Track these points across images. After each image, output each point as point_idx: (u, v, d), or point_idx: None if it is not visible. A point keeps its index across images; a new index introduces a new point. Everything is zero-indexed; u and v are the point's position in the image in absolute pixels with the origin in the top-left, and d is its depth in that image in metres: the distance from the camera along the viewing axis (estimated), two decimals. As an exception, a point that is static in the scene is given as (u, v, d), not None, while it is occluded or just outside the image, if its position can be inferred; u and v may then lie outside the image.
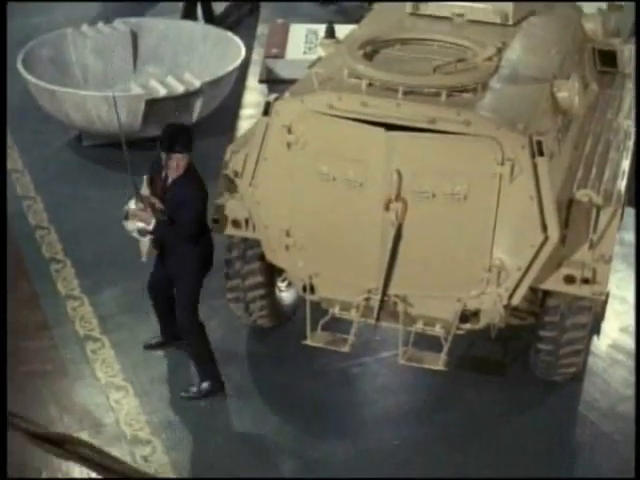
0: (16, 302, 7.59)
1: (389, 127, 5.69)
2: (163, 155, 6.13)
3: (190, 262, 6.30)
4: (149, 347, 7.12)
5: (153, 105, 10.02)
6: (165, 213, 6.09)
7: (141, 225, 6.07)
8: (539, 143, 5.54)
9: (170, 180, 6.21)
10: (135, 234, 6.17)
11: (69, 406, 6.55)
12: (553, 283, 6.04)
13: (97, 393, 6.69)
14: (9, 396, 6.32)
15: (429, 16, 7.23)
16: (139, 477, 5.96)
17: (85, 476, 5.93)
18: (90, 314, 7.58)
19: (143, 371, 6.89)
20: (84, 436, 6.26)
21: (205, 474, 5.82)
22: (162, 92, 10.38)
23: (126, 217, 6.10)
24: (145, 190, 6.19)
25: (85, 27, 11.39)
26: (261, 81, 12.46)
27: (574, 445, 6.35)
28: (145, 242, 6.30)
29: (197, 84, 10.29)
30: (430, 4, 7.26)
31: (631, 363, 7.05)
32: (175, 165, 6.12)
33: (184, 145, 6.09)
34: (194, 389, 6.59)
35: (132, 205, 6.07)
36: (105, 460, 6.06)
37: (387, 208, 5.85)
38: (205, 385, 6.59)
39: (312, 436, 6.33)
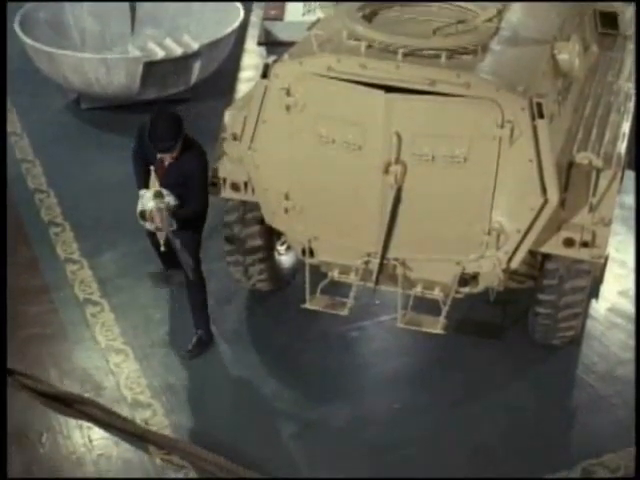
0: (15, 266, 7.60)
1: (388, 89, 5.65)
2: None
3: (191, 225, 6.31)
4: (153, 276, 7.23)
5: (151, 68, 9.96)
6: (179, 206, 6.10)
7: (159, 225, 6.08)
8: (539, 105, 5.50)
9: (167, 163, 6.16)
10: (153, 229, 6.20)
11: (69, 370, 6.58)
12: (552, 246, 6.03)
13: (97, 357, 6.71)
14: (9, 360, 6.37)
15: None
16: (145, 435, 6.00)
17: (86, 439, 5.96)
18: (89, 277, 7.59)
19: (143, 334, 6.91)
20: (85, 399, 6.30)
21: (205, 437, 5.86)
22: (160, 54, 10.33)
23: (143, 217, 6.10)
24: (154, 182, 6.14)
25: (82, -12, 11.31)
26: (260, 43, 12.39)
27: (572, 408, 6.38)
28: (163, 234, 6.28)
29: (195, 46, 10.22)
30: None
31: (630, 327, 7.06)
32: (169, 157, 6.09)
33: (177, 142, 6.02)
34: (192, 340, 6.66)
35: (147, 199, 6.03)
36: (111, 419, 6.10)
37: (386, 171, 5.82)
38: (199, 332, 6.68)
39: (311, 399, 6.35)
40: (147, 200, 6.05)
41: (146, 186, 6.21)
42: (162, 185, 6.11)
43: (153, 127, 6.02)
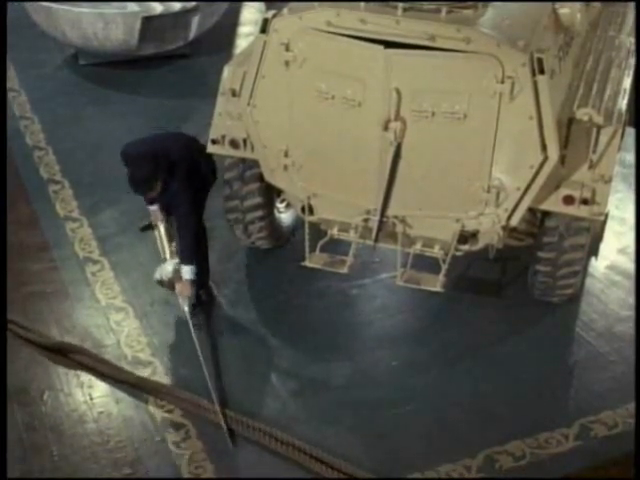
0: (15, 224, 7.61)
1: (388, 44, 5.59)
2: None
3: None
4: (145, 228, 7.15)
5: (150, 22, 9.90)
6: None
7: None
8: (540, 61, 5.45)
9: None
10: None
11: (70, 328, 6.59)
12: (552, 204, 6.01)
13: (98, 315, 6.72)
14: (10, 316, 6.40)
15: None
16: (143, 385, 6.06)
17: (87, 397, 5.99)
18: (89, 235, 7.58)
19: (143, 293, 6.91)
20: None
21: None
22: (159, 9, 10.24)
23: (161, 284, 6.41)
24: (167, 249, 6.37)
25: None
26: (259, -2, 12.28)
27: (570, 365, 6.39)
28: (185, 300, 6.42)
29: (194, 1, 10.12)
30: None
31: (629, 284, 7.07)
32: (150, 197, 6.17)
33: (153, 188, 6.07)
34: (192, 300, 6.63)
35: (167, 272, 6.31)
36: (109, 369, 6.16)
37: (386, 127, 5.78)
38: (200, 290, 6.68)
39: (311, 357, 6.37)
40: (166, 272, 6.30)
41: (152, 201, 6.33)
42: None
43: (130, 174, 6.05)
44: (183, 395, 5.94)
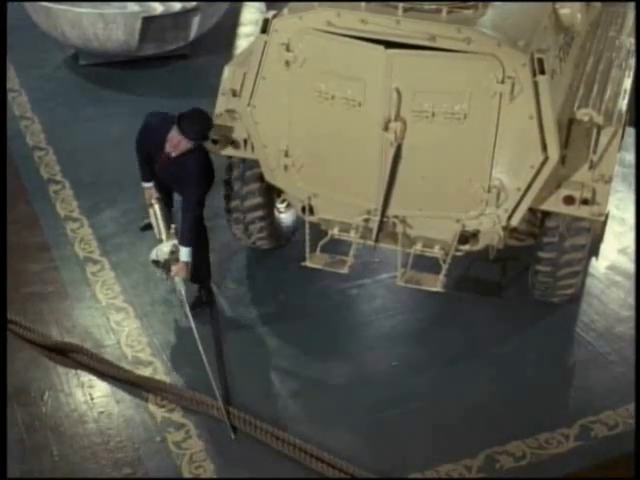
0: (15, 223, 7.61)
1: (389, 45, 5.59)
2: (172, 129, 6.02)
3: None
4: (145, 228, 7.16)
5: (150, 23, 9.90)
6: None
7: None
8: (540, 61, 5.46)
9: (172, 155, 6.13)
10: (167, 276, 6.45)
11: (70, 328, 6.59)
12: (552, 204, 6.02)
13: (98, 315, 6.72)
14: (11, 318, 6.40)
15: None
16: (144, 383, 6.07)
17: (87, 397, 5.99)
18: (89, 235, 7.58)
19: (143, 293, 6.92)
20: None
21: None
22: (159, 9, 10.24)
23: (156, 265, 6.36)
24: (164, 231, 6.39)
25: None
26: (260, -2, 12.28)
27: (571, 365, 6.40)
28: (180, 280, 6.37)
29: (194, 1, 10.12)
30: None
31: (629, 284, 7.08)
32: (176, 143, 6.03)
33: (199, 135, 6.03)
34: (192, 298, 6.64)
35: (163, 253, 6.29)
36: (109, 368, 6.16)
37: (386, 128, 5.78)
38: (200, 290, 6.70)
39: (311, 357, 6.37)
40: (163, 253, 6.29)
41: (150, 178, 6.36)
42: (162, 178, 6.29)
43: (188, 116, 6.01)
44: (185, 392, 5.94)
